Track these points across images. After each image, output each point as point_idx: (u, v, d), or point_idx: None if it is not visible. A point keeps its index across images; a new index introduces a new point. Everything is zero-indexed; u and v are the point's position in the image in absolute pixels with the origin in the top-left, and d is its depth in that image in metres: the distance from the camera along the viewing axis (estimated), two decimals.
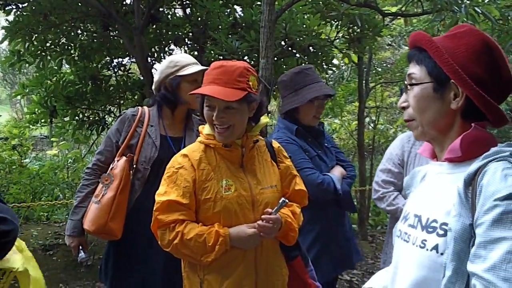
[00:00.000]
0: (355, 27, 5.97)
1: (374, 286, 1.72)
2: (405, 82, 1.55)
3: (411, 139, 3.08)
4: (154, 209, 2.17)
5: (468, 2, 4.92)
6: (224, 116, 2.15)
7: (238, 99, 2.10)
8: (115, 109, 6.87)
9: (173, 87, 2.83)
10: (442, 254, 1.32)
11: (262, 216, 2.13)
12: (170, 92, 2.84)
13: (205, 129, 2.30)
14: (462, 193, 1.28)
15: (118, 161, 2.73)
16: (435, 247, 1.34)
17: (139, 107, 2.93)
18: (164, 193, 2.17)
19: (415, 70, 1.48)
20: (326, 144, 3.13)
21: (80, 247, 2.83)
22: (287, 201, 2.16)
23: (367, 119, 10.48)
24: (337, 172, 2.96)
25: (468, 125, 1.40)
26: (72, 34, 6.37)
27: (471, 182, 1.28)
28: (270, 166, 2.33)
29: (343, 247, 3.02)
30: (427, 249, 1.36)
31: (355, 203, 8.85)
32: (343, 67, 10.99)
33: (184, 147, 2.74)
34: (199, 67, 2.82)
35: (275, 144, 2.45)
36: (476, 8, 4.87)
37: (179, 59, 2.87)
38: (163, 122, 2.89)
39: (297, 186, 2.39)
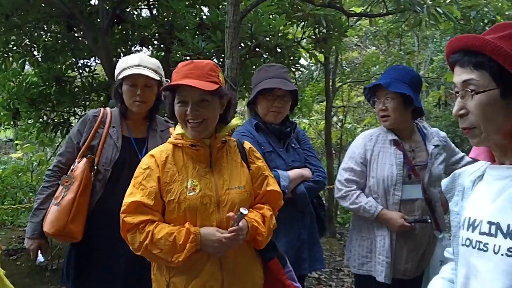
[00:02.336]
0: (321, 27, 6.03)
1: None
2: (455, 89, 1.48)
3: (373, 138, 3.10)
4: (120, 211, 2.15)
5: (430, 2, 5.02)
6: (198, 110, 2.16)
7: (213, 89, 2.13)
8: (80, 111, 6.76)
9: (118, 90, 2.83)
10: None
11: (230, 229, 2.11)
12: (117, 95, 2.83)
13: (176, 129, 2.30)
14: None
15: (78, 162, 2.70)
16: None
17: (101, 108, 2.90)
18: (130, 194, 2.17)
19: (473, 76, 1.40)
20: (293, 145, 3.13)
21: (39, 250, 2.77)
22: (246, 212, 2.11)
23: (334, 119, 10.60)
24: (293, 172, 2.96)
25: None
26: (35, 35, 6.24)
27: None
28: (239, 166, 2.32)
29: (297, 250, 2.98)
30: None
31: (323, 201, 9.00)
32: (313, 67, 11.08)
33: (147, 148, 2.73)
34: (135, 70, 2.75)
35: (247, 145, 2.45)
36: (438, 9, 4.99)
37: (124, 61, 2.83)
38: (126, 123, 2.86)
39: (270, 186, 2.38)
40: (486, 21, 5.94)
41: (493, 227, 1.38)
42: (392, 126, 3.05)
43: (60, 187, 2.69)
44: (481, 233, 1.42)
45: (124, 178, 2.59)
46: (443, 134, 3.23)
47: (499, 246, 1.34)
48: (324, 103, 9.21)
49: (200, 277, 2.13)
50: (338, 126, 10.63)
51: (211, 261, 2.15)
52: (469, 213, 1.51)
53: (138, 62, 2.80)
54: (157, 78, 2.80)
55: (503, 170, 1.46)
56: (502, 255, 1.33)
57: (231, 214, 2.12)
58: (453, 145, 3.29)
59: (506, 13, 6.06)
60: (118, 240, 2.22)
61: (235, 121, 2.40)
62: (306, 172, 3.05)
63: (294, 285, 2.42)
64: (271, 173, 2.47)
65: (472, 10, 5.67)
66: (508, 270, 1.31)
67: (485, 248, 1.39)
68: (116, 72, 2.84)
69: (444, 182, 1.71)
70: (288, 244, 2.93)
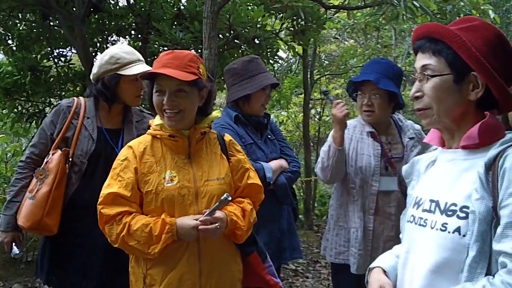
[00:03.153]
0: (299, 19, 6.02)
1: (383, 266, 1.75)
2: (416, 73, 1.58)
3: (351, 128, 3.10)
4: (98, 202, 2.13)
5: None
6: (175, 100, 2.15)
7: (190, 80, 2.12)
8: (56, 101, 6.66)
9: (111, 84, 2.74)
10: (464, 235, 1.37)
11: (200, 220, 2.09)
12: (107, 89, 2.75)
13: (155, 120, 2.30)
14: (483, 177, 1.37)
15: (53, 154, 2.64)
16: (457, 229, 1.39)
17: (75, 98, 2.84)
18: (108, 185, 2.16)
19: (431, 61, 1.51)
20: (269, 136, 3.14)
21: (14, 243, 2.73)
22: (229, 199, 2.12)
23: (312, 111, 10.63)
24: (274, 163, 2.97)
25: (480, 113, 1.49)
26: (10, 23, 6.13)
27: (491, 167, 1.37)
28: (219, 158, 2.31)
29: (277, 240, 3.01)
30: (448, 232, 1.41)
31: (301, 194, 9.07)
32: (291, 60, 11.09)
33: (123, 139, 2.70)
34: (141, 68, 2.70)
35: (227, 137, 2.44)
36: (415, 2, 5.02)
37: (121, 56, 2.74)
38: (100, 114, 2.82)
39: (251, 180, 2.37)
40: (462, 15, 6.00)
41: (433, 205, 1.51)
42: (375, 121, 3.09)
43: (34, 180, 2.64)
44: (424, 210, 1.55)
45: (100, 170, 2.57)
46: (417, 126, 3.26)
47: (435, 221, 1.47)
48: (303, 95, 9.24)
49: (177, 269, 2.13)
50: (316, 119, 10.67)
51: (188, 253, 2.14)
52: (417, 193, 1.64)
53: (138, 57, 2.78)
54: None
55: (449, 154, 1.58)
56: (437, 229, 1.45)
57: (207, 211, 2.12)
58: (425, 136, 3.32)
59: (482, 7, 6.13)
60: (95, 232, 2.20)
61: (215, 113, 2.40)
62: (284, 163, 3.07)
63: (274, 280, 2.43)
64: (252, 166, 2.47)
65: (448, 4, 5.72)
66: (441, 243, 1.43)
67: (424, 224, 1.52)
68: (111, 66, 2.73)
69: (404, 168, 1.84)
70: (269, 235, 2.96)
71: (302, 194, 8.92)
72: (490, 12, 6.16)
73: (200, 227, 2.07)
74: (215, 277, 2.19)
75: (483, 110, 1.50)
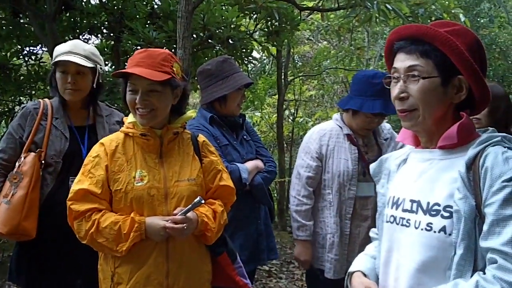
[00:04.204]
0: (273, 20, 6.03)
1: (362, 270, 1.76)
2: (396, 74, 1.57)
3: (327, 132, 3.09)
4: (67, 198, 2.13)
5: None
6: (147, 99, 2.13)
7: (162, 80, 2.10)
8: (26, 100, 6.56)
9: (52, 78, 2.75)
10: (450, 234, 1.41)
11: (170, 218, 2.09)
12: (53, 83, 2.76)
13: (129, 118, 2.28)
14: (464, 177, 1.41)
15: (25, 157, 2.58)
16: (443, 229, 1.44)
17: (40, 100, 2.80)
18: (78, 181, 2.15)
19: (419, 62, 1.51)
20: (245, 137, 3.13)
21: None
22: (203, 201, 2.13)
23: (286, 112, 10.66)
24: (250, 164, 2.96)
25: (455, 114, 1.54)
26: None
27: (471, 166, 1.41)
28: (191, 159, 2.29)
29: (255, 241, 3.01)
30: (434, 231, 1.45)
31: (275, 195, 9.08)
32: (265, 60, 11.10)
33: (89, 136, 2.68)
34: (65, 57, 2.65)
35: (201, 138, 2.42)
36: (388, 5, 5.07)
37: (57, 48, 2.74)
38: (68, 112, 2.78)
39: (223, 181, 2.37)
40: (433, 18, 6.08)
41: (415, 205, 1.54)
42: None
43: (8, 184, 2.57)
44: (404, 210, 1.58)
45: (75, 168, 2.53)
46: (388, 126, 3.29)
47: (419, 221, 1.50)
48: (276, 96, 9.26)
49: (144, 268, 2.12)
50: (290, 120, 10.70)
51: (156, 253, 2.13)
52: (393, 193, 1.66)
53: (69, 49, 2.71)
54: (90, 65, 2.71)
55: (426, 154, 1.60)
56: (422, 229, 1.49)
57: (180, 208, 2.12)
58: (396, 135, 3.35)
59: (453, 11, 6.22)
60: (71, 232, 2.17)
61: (190, 113, 2.38)
62: (259, 163, 3.07)
63: (243, 281, 2.43)
64: (226, 168, 2.45)
65: (420, 7, 5.79)
66: (426, 243, 1.47)
67: (407, 224, 1.55)
68: (53, 59, 2.76)
69: (372, 166, 1.86)
70: (247, 236, 2.96)
71: (276, 195, 8.95)
72: (461, 15, 6.26)
73: (167, 224, 2.06)
74: (183, 277, 2.18)
75: (459, 111, 1.55)
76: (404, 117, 1.57)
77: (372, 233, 1.97)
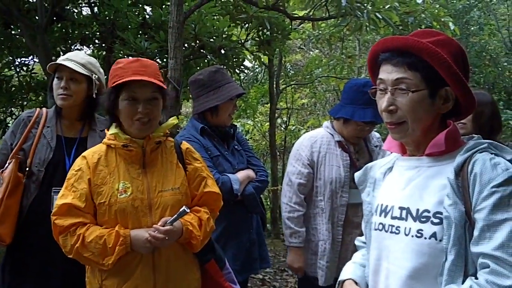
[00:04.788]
0: (265, 29, 6.07)
1: (353, 278, 1.76)
2: (382, 86, 1.57)
3: (318, 139, 3.10)
4: (51, 213, 2.11)
5: (370, 8, 5.14)
6: (149, 108, 2.13)
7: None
8: (18, 111, 6.55)
9: (51, 85, 2.77)
10: (440, 240, 1.42)
11: (154, 226, 2.09)
12: (51, 91, 2.77)
13: (111, 129, 2.24)
14: (454, 183, 1.43)
15: (9, 164, 2.60)
16: (433, 235, 1.45)
17: (37, 109, 2.81)
18: (62, 196, 2.13)
19: (407, 75, 1.51)
20: (236, 147, 3.13)
21: None
22: (188, 210, 2.11)
23: (278, 120, 10.69)
24: (241, 174, 2.96)
25: (442, 122, 1.56)
26: None
27: (459, 173, 1.43)
28: (174, 168, 2.28)
29: (247, 250, 3.00)
30: (425, 238, 1.46)
31: (268, 203, 9.08)
32: (258, 69, 11.14)
33: (77, 149, 2.67)
34: (62, 62, 2.69)
35: (184, 145, 2.40)
36: (378, 14, 5.11)
37: (61, 56, 2.78)
38: (62, 123, 2.78)
39: (208, 188, 2.34)
40: (423, 27, 6.12)
41: (404, 212, 1.55)
42: None
43: None
44: (393, 218, 1.58)
45: (59, 178, 2.52)
46: (377, 135, 3.31)
47: (410, 228, 1.51)
48: (269, 105, 9.29)
49: (132, 280, 2.10)
50: (282, 128, 10.73)
51: (143, 264, 2.12)
52: (381, 200, 1.67)
53: (67, 56, 2.74)
54: (84, 72, 2.71)
55: (413, 161, 1.61)
56: (412, 236, 1.49)
57: (165, 219, 2.10)
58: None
59: (442, 19, 6.27)
60: (54, 241, 2.16)
61: (171, 120, 2.36)
62: (251, 173, 3.06)
63: (233, 286, 2.43)
64: (211, 174, 2.44)
65: (410, 16, 5.83)
66: (417, 249, 1.48)
67: (397, 231, 1.55)
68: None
69: (357, 175, 1.88)
70: (239, 246, 2.95)
71: (269, 203, 8.95)
72: (451, 24, 6.31)
73: (150, 232, 2.06)
74: (170, 287, 2.18)
75: (445, 118, 1.57)
76: (393, 130, 1.58)
77: (358, 241, 1.98)
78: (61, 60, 2.71)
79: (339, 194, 2.98)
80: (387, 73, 1.55)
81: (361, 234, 2.95)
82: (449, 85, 1.50)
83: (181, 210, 2.09)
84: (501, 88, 16.58)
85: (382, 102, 1.57)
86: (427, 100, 1.51)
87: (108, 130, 2.26)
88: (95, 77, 2.76)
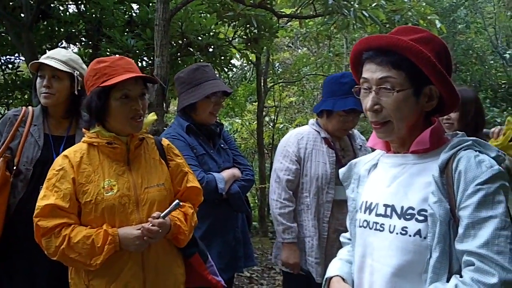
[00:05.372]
0: (252, 27, 6.07)
1: (341, 274, 1.75)
2: (366, 85, 1.56)
3: (305, 136, 3.11)
4: (34, 215, 2.06)
5: (357, 6, 5.16)
6: (141, 104, 2.14)
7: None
8: (3, 109, 6.50)
9: (34, 83, 2.76)
10: (425, 238, 1.43)
11: (149, 219, 2.08)
12: (35, 90, 2.76)
13: (92, 128, 2.22)
14: (438, 181, 1.43)
15: None
16: (418, 232, 1.45)
17: (24, 107, 2.79)
18: (44, 197, 2.08)
19: (391, 74, 1.50)
20: (222, 145, 3.12)
21: None
22: (181, 203, 2.11)
23: (266, 119, 10.70)
24: (226, 173, 2.95)
25: (427, 119, 1.56)
26: None
27: (444, 170, 1.44)
28: (158, 164, 2.28)
29: (232, 249, 3.00)
30: (409, 235, 1.46)
31: (256, 201, 9.09)
32: (246, 67, 11.14)
33: (64, 147, 2.65)
34: (41, 60, 2.68)
35: (165, 142, 2.40)
36: (364, 12, 5.14)
37: (43, 56, 2.77)
38: (49, 121, 2.77)
39: (190, 183, 2.35)
40: (410, 24, 6.18)
41: (389, 209, 1.55)
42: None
43: None
44: (378, 215, 1.58)
45: (45, 177, 2.51)
46: (362, 137, 3.33)
47: (394, 225, 1.51)
48: (257, 103, 9.30)
49: (120, 278, 2.09)
50: (270, 126, 10.74)
51: (132, 262, 2.11)
52: (366, 197, 1.67)
53: (49, 54, 2.73)
54: (65, 69, 2.69)
55: (398, 159, 1.62)
56: (397, 233, 1.49)
57: (158, 213, 2.09)
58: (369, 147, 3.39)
59: (429, 17, 6.31)
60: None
61: (150, 116, 2.37)
62: (236, 171, 3.05)
63: (216, 279, 2.43)
64: (191, 170, 2.45)
65: (397, 14, 5.88)
66: (402, 247, 1.48)
67: (381, 228, 1.55)
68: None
69: (341, 171, 1.88)
70: (224, 244, 2.94)
71: (256, 201, 8.96)
72: (437, 22, 6.35)
73: (144, 225, 2.05)
74: (160, 283, 2.18)
75: (428, 115, 1.57)
76: (378, 129, 1.58)
77: (343, 238, 1.98)
78: (42, 58, 2.70)
79: (325, 191, 2.99)
80: (371, 72, 1.54)
81: (346, 231, 3.00)
82: (433, 83, 1.50)
83: (174, 203, 2.09)
84: (488, 86, 16.74)
85: (367, 101, 1.56)
86: (411, 98, 1.50)
87: (88, 130, 2.22)
88: (76, 73, 2.74)
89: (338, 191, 2.98)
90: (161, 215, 2.09)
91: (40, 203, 2.06)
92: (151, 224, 2.06)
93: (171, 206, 2.10)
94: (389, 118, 1.53)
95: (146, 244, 2.09)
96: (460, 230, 1.37)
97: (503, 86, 17.02)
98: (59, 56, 2.73)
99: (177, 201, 2.10)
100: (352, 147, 3.18)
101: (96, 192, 2.08)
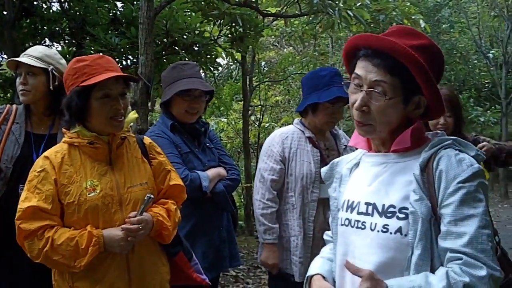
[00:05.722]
0: (237, 26, 6.06)
1: (321, 273, 1.75)
2: (357, 81, 1.54)
3: (289, 136, 3.10)
4: (16, 217, 2.02)
5: (341, 5, 5.18)
6: (122, 104, 2.11)
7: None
8: None
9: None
10: (406, 235, 1.43)
11: (126, 220, 2.05)
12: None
13: (73, 128, 2.18)
14: (419, 179, 1.44)
15: None
16: (399, 230, 1.45)
17: (8, 105, 2.77)
18: (25, 199, 2.04)
19: (386, 79, 1.47)
20: (207, 144, 3.11)
21: None
22: (152, 196, 2.08)
23: (252, 118, 10.71)
24: (211, 172, 2.94)
25: (409, 121, 1.55)
26: None
27: (425, 169, 1.45)
28: (140, 163, 2.26)
29: (217, 248, 2.98)
30: (390, 233, 1.46)
31: (241, 200, 9.09)
32: (232, 66, 11.12)
33: (45, 145, 2.62)
34: (19, 58, 2.66)
35: (147, 140, 2.38)
36: (349, 12, 5.15)
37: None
38: (32, 119, 2.74)
39: (172, 181, 2.33)
40: (394, 24, 6.22)
41: (370, 207, 1.55)
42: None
43: None
44: (359, 213, 1.58)
45: (27, 175, 2.49)
46: (347, 137, 3.34)
47: (375, 223, 1.51)
48: (242, 102, 9.30)
49: (105, 279, 2.06)
50: (256, 125, 10.75)
51: (116, 263, 2.09)
52: (347, 196, 1.66)
53: (25, 52, 2.72)
54: (39, 65, 2.66)
55: (379, 158, 1.62)
56: (378, 231, 1.50)
57: (134, 213, 2.08)
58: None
59: (413, 17, 6.36)
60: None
61: (131, 115, 2.34)
62: (222, 170, 3.04)
63: (201, 277, 2.42)
64: (175, 167, 2.44)
65: (381, 13, 5.91)
66: (383, 244, 1.48)
67: (362, 226, 1.55)
68: None
69: (324, 170, 1.86)
70: (209, 243, 2.93)
71: (242, 200, 8.96)
72: (421, 21, 6.40)
73: (123, 226, 2.03)
74: (145, 283, 2.16)
75: (412, 119, 1.57)
76: (360, 127, 1.57)
77: (326, 236, 1.98)
78: (19, 57, 2.67)
79: (310, 190, 2.99)
80: (366, 71, 1.51)
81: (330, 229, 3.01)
82: (424, 94, 1.50)
83: (145, 198, 2.07)
84: (471, 85, 16.95)
85: (355, 98, 1.54)
86: (400, 105, 1.50)
87: (68, 129, 2.19)
88: (51, 68, 2.71)
89: (323, 189, 2.98)
90: (137, 213, 2.07)
91: (22, 205, 2.02)
92: (130, 224, 2.04)
93: (143, 203, 2.08)
94: (373, 121, 1.52)
95: (130, 245, 2.07)
96: (443, 227, 1.39)
97: (486, 85, 17.28)
98: (35, 53, 2.70)
99: (147, 195, 2.07)
100: (337, 146, 3.18)
101: (78, 193, 2.05)
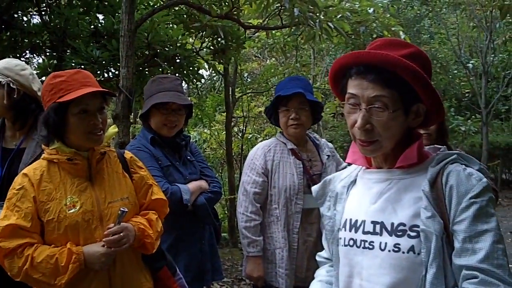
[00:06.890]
0: (219, 38, 6.08)
1: None
2: (353, 101, 1.50)
3: (272, 148, 3.12)
4: None
5: (322, 17, 5.22)
6: (101, 118, 2.11)
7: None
8: None
9: None
10: (419, 254, 1.40)
11: (104, 233, 2.04)
12: None
13: (51, 144, 2.16)
14: (429, 195, 1.42)
15: None
16: (412, 249, 1.41)
17: None
18: (4, 217, 2.02)
19: (385, 93, 1.45)
20: (189, 157, 3.10)
21: None
22: (126, 210, 2.07)
23: (235, 129, 10.70)
24: (192, 185, 2.94)
25: (409, 133, 1.54)
26: None
27: (433, 185, 1.42)
28: (121, 177, 2.25)
29: (199, 262, 2.98)
30: (403, 252, 1.42)
31: (225, 212, 9.04)
32: (215, 77, 11.13)
33: (14, 159, 2.59)
34: None
35: (128, 154, 2.38)
36: (330, 24, 5.19)
37: None
38: (5, 133, 2.71)
39: (155, 195, 2.33)
40: (374, 35, 6.29)
41: (378, 226, 1.50)
42: (302, 134, 3.14)
43: None
44: (365, 232, 1.53)
45: None
46: (330, 145, 3.36)
47: (386, 243, 1.46)
48: (225, 113, 9.30)
49: None
50: (239, 136, 10.74)
51: (98, 280, 2.07)
52: (349, 215, 1.61)
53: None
54: None
55: (382, 174, 1.57)
56: (389, 251, 1.45)
57: (111, 225, 2.07)
58: (338, 155, 3.41)
59: (393, 28, 6.42)
60: None
61: (111, 129, 2.33)
62: (203, 183, 3.04)
63: None
64: (155, 181, 2.43)
65: (362, 25, 5.96)
66: (395, 264, 1.44)
67: (370, 246, 1.50)
68: None
69: (315, 188, 1.82)
70: (190, 257, 2.92)
71: (226, 212, 8.92)
72: (401, 33, 6.46)
73: (104, 239, 2.02)
74: None
75: (411, 129, 1.56)
76: (366, 147, 1.53)
77: (319, 257, 1.91)
78: None
79: (293, 201, 3.00)
80: (362, 88, 1.48)
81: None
82: (423, 101, 1.49)
83: (119, 213, 2.06)
84: (452, 95, 17.16)
85: (355, 118, 1.50)
86: (401, 117, 1.48)
87: (47, 146, 2.17)
88: (7, 80, 2.67)
89: (306, 200, 3.00)
90: (113, 228, 2.05)
91: (1, 223, 2.00)
92: (110, 236, 2.03)
93: (118, 217, 2.07)
94: (378, 137, 1.49)
95: (110, 261, 2.06)
96: (457, 244, 1.36)
97: (466, 95, 17.51)
98: None
99: (120, 209, 2.06)
100: (320, 157, 3.19)
101: (58, 210, 2.03)
